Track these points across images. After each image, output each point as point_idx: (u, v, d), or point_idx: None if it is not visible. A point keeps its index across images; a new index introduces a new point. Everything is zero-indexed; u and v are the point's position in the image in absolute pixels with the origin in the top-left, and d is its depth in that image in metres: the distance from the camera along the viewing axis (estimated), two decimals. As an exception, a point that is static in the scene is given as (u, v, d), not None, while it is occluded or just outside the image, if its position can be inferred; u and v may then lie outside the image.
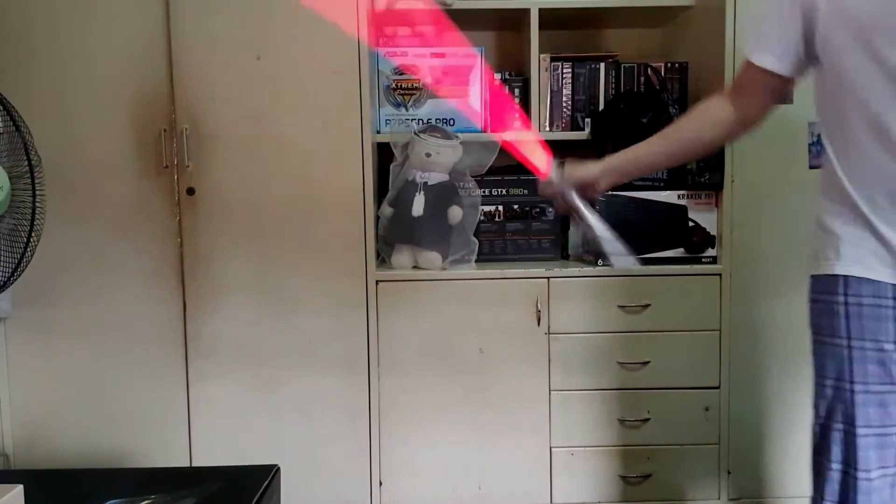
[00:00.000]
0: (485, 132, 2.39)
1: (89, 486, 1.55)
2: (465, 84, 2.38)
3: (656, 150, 1.51)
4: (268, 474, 1.55)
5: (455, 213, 2.28)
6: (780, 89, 1.36)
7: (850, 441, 1.23)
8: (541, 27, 2.30)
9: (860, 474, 1.22)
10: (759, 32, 1.35)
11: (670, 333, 2.23)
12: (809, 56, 1.29)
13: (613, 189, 2.25)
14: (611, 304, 2.22)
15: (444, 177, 2.29)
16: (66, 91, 2.15)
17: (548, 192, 1.59)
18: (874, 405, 1.22)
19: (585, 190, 1.55)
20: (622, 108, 2.34)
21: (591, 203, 1.57)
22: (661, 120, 2.28)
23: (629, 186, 2.29)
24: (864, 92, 1.20)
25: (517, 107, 2.35)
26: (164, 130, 2.15)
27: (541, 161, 1.59)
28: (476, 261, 2.34)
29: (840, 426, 1.24)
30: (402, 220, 2.26)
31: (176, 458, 2.22)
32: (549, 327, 2.22)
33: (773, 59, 1.31)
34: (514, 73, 2.50)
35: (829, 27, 1.22)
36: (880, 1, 1.16)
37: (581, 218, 1.55)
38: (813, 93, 1.33)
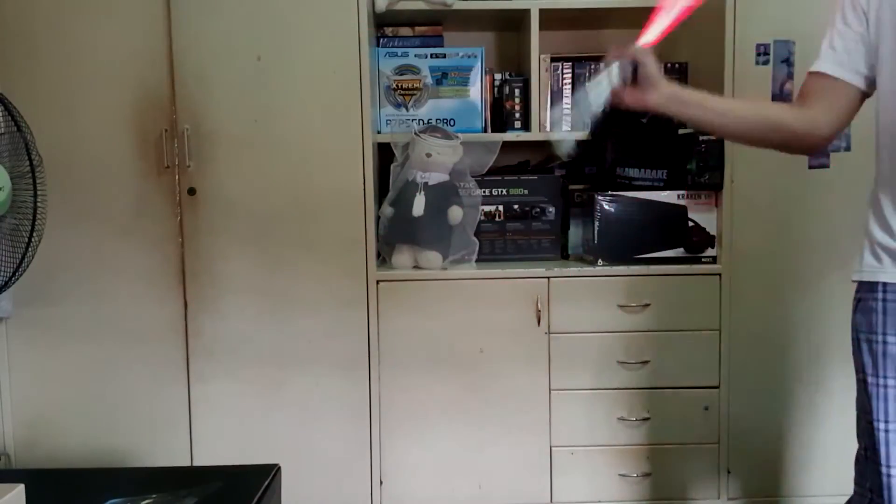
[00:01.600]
0: (485, 132, 2.39)
1: (90, 486, 1.55)
2: (465, 84, 2.39)
3: (730, 110, 1.39)
4: (268, 473, 1.55)
5: (455, 213, 2.28)
6: (846, 98, 1.31)
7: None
8: (541, 27, 2.30)
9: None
10: (826, 43, 1.32)
11: (670, 333, 2.24)
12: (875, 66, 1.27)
13: (615, 189, 2.27)
14: (611, 303, 2.22)
15: (445, 177, 2.30)
16: (68, 91, 2.15)
17: (619, 54, 1.39)
18: None
19: (639, 83, 1.37)
20: (622, 109, 2.33)
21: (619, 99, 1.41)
22: (661, 120, 2.28)
23: (629, 186, 2.30)
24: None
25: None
26: (166, 130, 2.16)
27: (657, 29, 1.41)
28: (476, 261, 2.34)
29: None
30: (403, 220, 2.27)
31: (177, 458, 2.23)
32: (549, 327, 2.22)
33: (836, 65, 1.29)
34: (514, 73, 2.50)
35: (885, 41, 1.22)
36: None
37: (601, 81, 1.39)
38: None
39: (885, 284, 1.25)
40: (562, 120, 2.42)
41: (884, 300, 1.25)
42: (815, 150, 1.40)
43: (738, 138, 1.43)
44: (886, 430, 1.24)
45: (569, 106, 2.41)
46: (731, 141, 1.41)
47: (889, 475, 1.24)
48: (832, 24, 1.31)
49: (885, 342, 1.24)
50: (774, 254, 2.24)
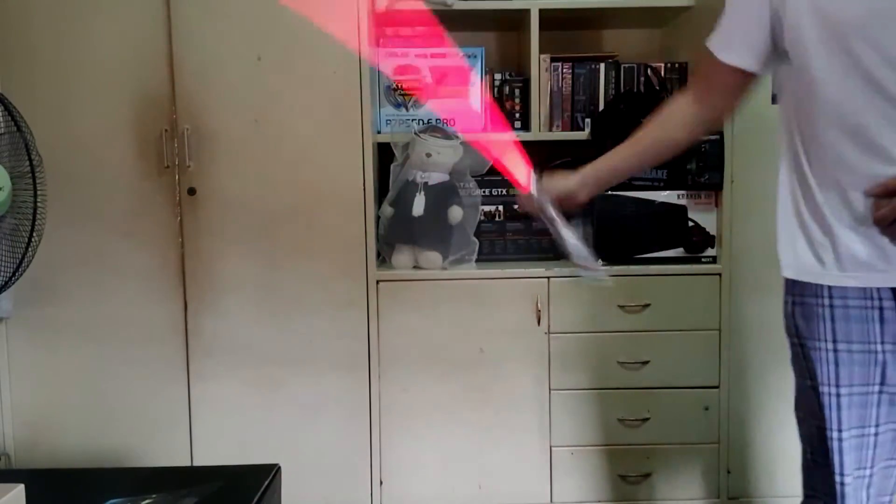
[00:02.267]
0: (485, 132, 2.39)
1: (90, 486, 1.56)
2: (465, 84, 2.38)
3: (629, 157, 1.49)
4: (268, 473, 1.55)
5: (455, 213, 2.28)
6: (745, 86, 1.33)
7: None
8: (541, 27, 2.30)
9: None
10: (724, 28, 1.32)
11: (670, 333, 2.24)
12: (777, 53, 1.26)
13: (615, 189, 2.27)
14: (611, 303, 2.22)
15: (445, 177, 2.30)
16: (68, 91, 2.15)
17: (527, 206, 1.55)
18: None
19: (564, 203, 1.51)
20: (622, 109, 2.34)
21: (569, 216, 1.54)
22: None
23: (629, 186, 2.30)
24: (837, 91, 1.17)
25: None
26: (166, 131, 2.16)
27: (521, 174, 1.56)
28: (476, 261, 2.34)
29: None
30: (403, 220, 2.27)
31: (177, 458, 2.23)
32: (549, 327, 2.22)
33: (738, 55, 1.29)
34: (514, 73, 2.50)
35: (799, 24, 1.19)
36: (857, 2, 1.14)
37: (557, 231, 1.53)
38: (776, 88, 1.31)
39: (830, 288, 1.22)
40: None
41: (831, 306, 1.22)
42: (717, 131, 1.54)
43: (659, 162, 1.51)
44: (840, 439, 1.22)
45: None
46: (656, 165, 1.58)
47: (843, 483, 1.22)
48: (732, 6, 1.30)
49: (836, 350, 1.22)
50: (774, 254, 2.22)
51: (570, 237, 1.52)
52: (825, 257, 1.23)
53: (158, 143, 2.16)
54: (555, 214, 1.51)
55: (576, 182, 1.50)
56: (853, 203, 1.19)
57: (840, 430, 1.22)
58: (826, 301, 1.23)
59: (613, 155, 1.50)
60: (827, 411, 1.23)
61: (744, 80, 1.32)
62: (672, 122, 1.44)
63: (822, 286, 1.23)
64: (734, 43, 1.29)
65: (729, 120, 1.41)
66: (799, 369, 1.32)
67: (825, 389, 1.24)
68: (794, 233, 1.28)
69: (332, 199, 2.19)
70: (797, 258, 1.27)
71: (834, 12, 1.15)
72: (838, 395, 1.22)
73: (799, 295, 1.28)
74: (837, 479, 1.23)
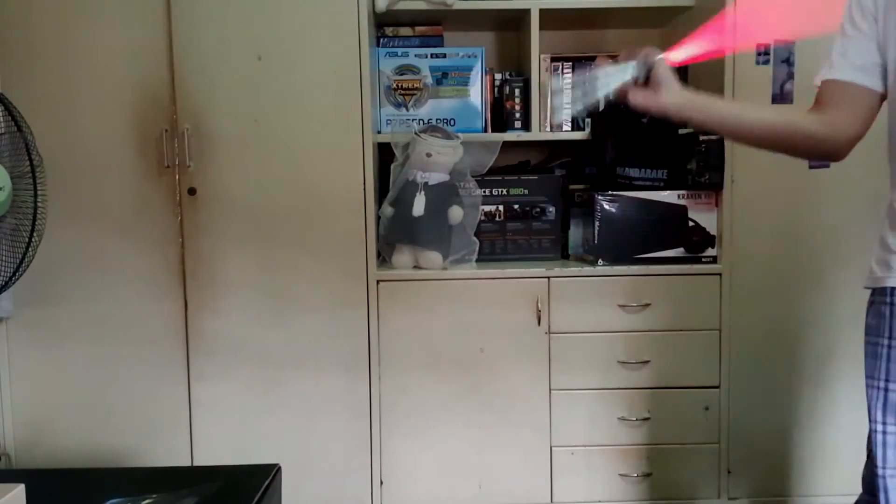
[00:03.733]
0: (485, 132, 2.39)
1: (90, 486, 1.55)
2: (465, 84, 2.39)
3: (746, 113, 1.37)
4: (269, 474, 1.55)
5: (455, 212, 2.28)
6: (865, 102, 1.28)
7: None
8: (541, 27, 2.30)
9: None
10: (837, 50, 1.29)
11: (670, 333, 2.24)
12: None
13: (615, 189, 2.27)
14: (611, 303, 2.22)
15: (445, 177, 2.30)
16: (68, 91, 2.15)
17: (642, 54, 1.36)
18: None
19: (655, 84, 1.34)
20: (622, 109, 2.33)
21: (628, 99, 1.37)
22: (661, 120, 2.28)
23: (629, 186, 2.30)
24: None
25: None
26: (166, 131, 2.16)
27: (681, 54, 1.39)
28: (477, 260, 2.34)
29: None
30: (403, 220, 2.27)
31: (177, 458, 2.23)
32: (549, 327, 2.22)
33: (854, 70, 1.26)
34: (514, 73, 2.50)
35: (890, 37, 1.20)
36: None
37: (597, 79, 1.36)
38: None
39: (892, 289, 1.24)
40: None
41: (891, 304, 1.24)
42: (836, 156, 1.33)
43: (756, 143, 1.38)
44: (884, 433, 1.24)
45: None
46: (748, 146, 1.38)
47: (884, 476, 1.24)
48: (842, 29, 1.29)
49: (889, 346, 1.24)
50: (774, 254, 2.24)
51: (608, 84, 1.35)
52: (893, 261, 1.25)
53: (159, 143, 2.16)
54: (633, 70, 1.33)
55: (680, 89, 1.34)
56: None
57: (884, 423, 1.24)
58: (888, 299, 1.25)
59: (724, 100, 1.36)
60: (871, 403, 1.26)
61: (861, 95, 1.27)
62: (797, 111, 1.36)
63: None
64: (849, 62, 1.27)
65: (854, 140, 1.30)
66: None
67: (870, 382, 1.27)
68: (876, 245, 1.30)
69: (333, 199, 2.19)
70: (873, 267, 1.30)
71: None
72: (886, 390, 1.24)
73: (871, 296, 1.30)
74: (879, 472, 1.24)
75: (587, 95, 1.36)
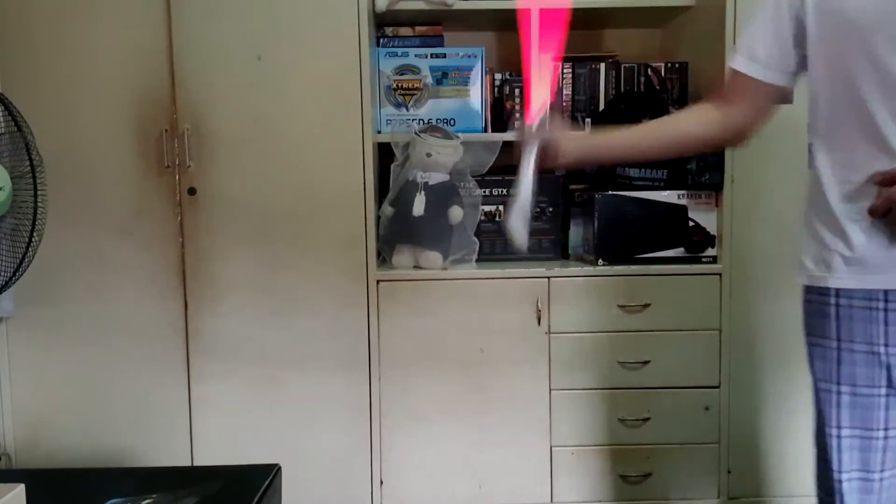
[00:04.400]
0: (485, 132, 2.39)
1: (91, 486, 1.56)
2: (465, 84, 2.38)
3: (632, 138, 1.45)
4: (269, 473, 1.55)
5: (456, 212, 2.28)
6: (768, 97, 1.32)
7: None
8: (541, 27, 2.30)
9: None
10: (747, 39, 1.31)
11: (670, 333, 2.24)
12: (803, 61, 1.27)
13: (615, 189, 2.27)
14: (611, 303, 2.22)
15: (445, 177, 2.30)
16: (68, 91, 2.15)
17: (519, 135, 1.46)
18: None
19: (548, 151, 1.42)
20: (622, 108, 2.34)
21: (543, 170, 1.43)
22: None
23: (629, 186, 2.30)
24: (862, 95, 1.18)
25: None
26: (166, 130, 2.16)
27: (538, 101, 1.44)
28: (477, 260, 2.34)
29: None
30: (403, 220, 2.27)
31: (177, 458, 2.23)
32: (549, 327, 2.22)
33: (761, 66, 1.29)
34: (514, 73, 2.50)
35: (821, 31, 1.21)
36: (877, 2, 1.15)
37: (519, 175, 1.42)
38: (808, 97, 1.31)
39: (837, 290, 1.22)
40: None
41: (836, 305, 1.23)
42: (735, 146, 1.46)
43: (660, 158, 1.48)
44: (839, 437, 1.23)
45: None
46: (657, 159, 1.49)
47: (840, 481, 1.23)
48: (754, 17, 1.30)
49: (839, 348, 1.23)
50: (775, 254, 2.24)
51: (525, 190, 1.40)
52: (833, 261, 1.23)
53: (159, 143, 2.17)
54: (532, 158, 1.41)
55: (570, 139, 1.44)
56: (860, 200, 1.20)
57: (839, 428, 1.23)
58: (832, 301, 1.23)
59: (617, 132, 1.46)
60: (825, 407, 1.24)
61: (764, 90, 1.31)
62: (689, 118, 1.42)
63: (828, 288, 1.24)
64: (755, 53, 1.29)
65: (752, 133, 1.36)
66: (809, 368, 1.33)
67: (822, 386, 1.25)
68: (805, 236, 1.30)
69: (333, 199, 2.19)
70: (807, 262, 1.29)
71: (855, 16, 1.16)
72: (838, 394, 1.23)
73: (808, 293, 1.30)
74: (835, 476, 1.23)
75: (524, 211, 1.41)
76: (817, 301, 1.25)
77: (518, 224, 1.41)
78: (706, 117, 1.38)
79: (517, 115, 2.17)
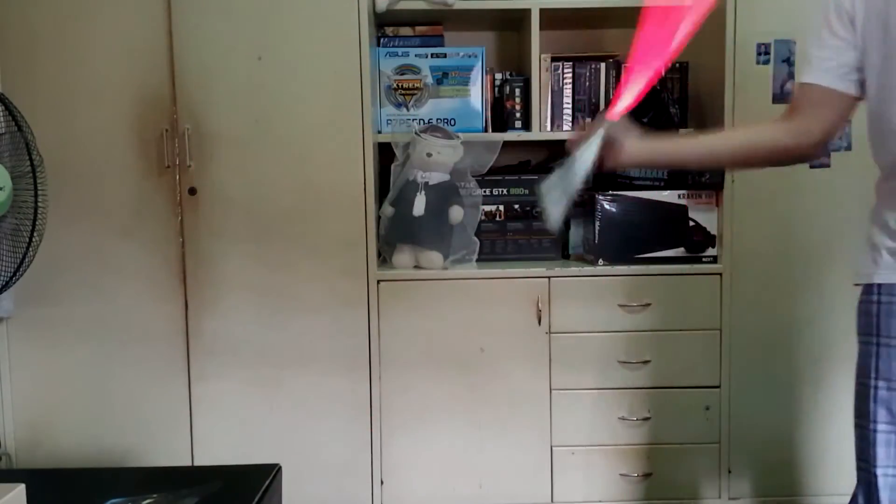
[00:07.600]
0: (485, 132, 2.39)
1: (91, 486, 1.56)
2: (465, 84, 2.38)
3: (710, 147, 1.44)
4: (269, 473, 1.55)
5: (456, 212, 2.28)
6: (839, 105, 1.30)
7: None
8: (541, 27, 2.30)
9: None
10: (815, 52, 1.30)
11: (671, 333, 2.24)
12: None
13: (615, 189, 2.27)
14: (611, 303, 2.22)
15: (446, 176, 2.30)
16: (69, 91, 2.15)
17: (589, 126, 1.44)
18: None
19: (612, 148, 1.41)
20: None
21: (598, 165, 1.42)
22: (661, 120, 2.28)
23: (629, 186, 2.30)
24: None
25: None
26: (166, 130, 2.16)
27: (627, 100, 1.42)
28: (477, 260, 2.34)
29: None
30: (404, 220, 2.27)
31: (177, 458, 2.23)
32: (549, 326, 2.22)
33: (833, 76, 1.28)
34: (514, 73, 2.50)
35: (869, 42, 1.22)
36: None
37: (573, 161, 1.41)
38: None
39: (879, 286, 1.25)
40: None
41: (878, 302, 1.25)
42: (808, 159, 1.43)
43: (722, 167, 1.47)
44: (875, 430, 1.25)
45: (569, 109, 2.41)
46: (719, 170, 1.46)
47: (876, 475, 1.24)
48: (818, 33, 1.30)
49: (878, 343, 1.25)
50: (775, 253, 2.24)
51: (578, 174, 1.40)
52: (879, 257, 1.26)
53: (159, 143, 2.17)
54: (595, 148, 1.40)
55: (636, 141, 1.42)
56: None
57: (875, 422, 1.25)
58: (875, 298, 1.26)
59: (683, 139, 1.47)
60: (866, 403, 1.26)
61: (837, 99, 1.29)
62: (760, 128, 1.40)
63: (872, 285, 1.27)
64: (822, 65, 1.29)
65: (823, 143, 1.34)
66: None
67: (863, 381, 1.28)
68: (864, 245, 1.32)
69: (333, 199, 2.19)
70: (859, 263, 1.31)
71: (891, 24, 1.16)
72: (876, 388, 1.25)
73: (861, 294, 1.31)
74: (873, 470, 1.25)
75: (567, 189, 1.41)
76: (865, 301, 1.28)
77: (558, 205, 1.40)
78: (776, 126, 1.36)
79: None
